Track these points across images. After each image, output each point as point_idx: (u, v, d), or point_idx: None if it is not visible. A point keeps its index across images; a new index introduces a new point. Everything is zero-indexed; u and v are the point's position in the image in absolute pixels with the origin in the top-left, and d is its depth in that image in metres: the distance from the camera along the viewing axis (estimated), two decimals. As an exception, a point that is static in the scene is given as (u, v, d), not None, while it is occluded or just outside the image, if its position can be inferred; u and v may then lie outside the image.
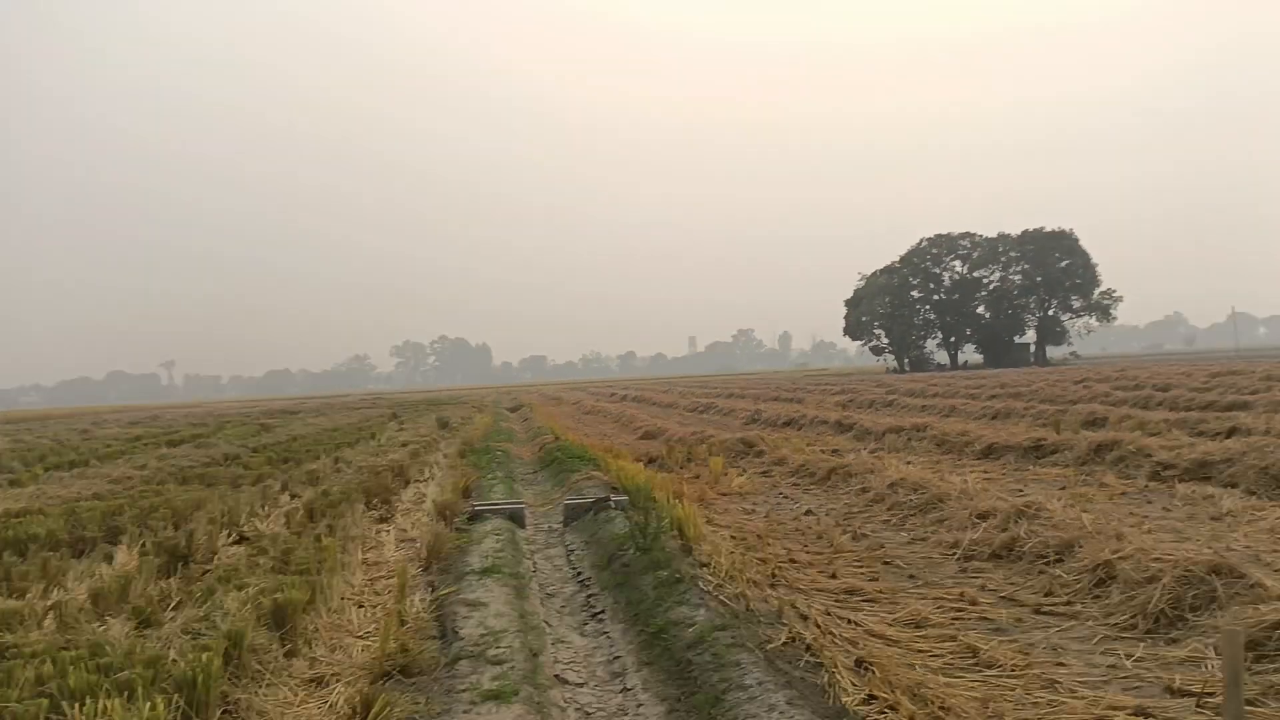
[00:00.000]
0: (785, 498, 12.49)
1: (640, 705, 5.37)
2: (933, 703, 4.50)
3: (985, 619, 6.35)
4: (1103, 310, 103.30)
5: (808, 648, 5.45)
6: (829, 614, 6.41)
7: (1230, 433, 15.44)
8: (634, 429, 26.64)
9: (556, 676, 5.93)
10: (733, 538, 9.31)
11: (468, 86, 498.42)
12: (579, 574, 8.82)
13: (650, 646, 6.17)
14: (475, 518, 10.73)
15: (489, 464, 17.17)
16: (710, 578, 7.12)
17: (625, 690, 5.72)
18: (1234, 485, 10.90)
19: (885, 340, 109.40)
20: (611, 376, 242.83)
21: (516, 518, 11.16)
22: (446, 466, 16.98)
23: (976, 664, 5.38)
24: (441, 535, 9.20)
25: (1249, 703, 4.56)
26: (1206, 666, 5.09)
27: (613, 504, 10.90)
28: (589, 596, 8.01)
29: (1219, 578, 5.91)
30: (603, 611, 7.47)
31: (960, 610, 6.56)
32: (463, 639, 6.04)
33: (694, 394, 49.47)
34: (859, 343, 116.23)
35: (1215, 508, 9.82)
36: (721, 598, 6.64)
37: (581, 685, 5.88)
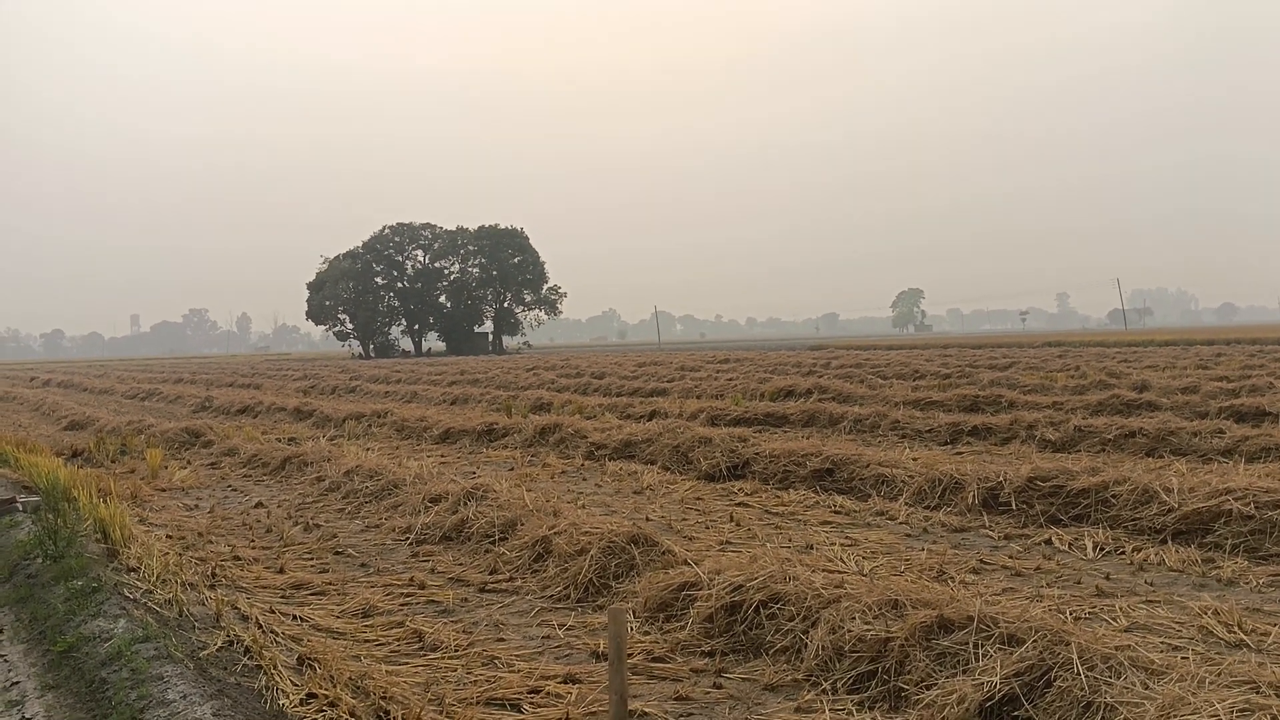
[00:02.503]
0: (235, 490, 11.72)
1: (40, 738, 4.60)
2: (374, 693, 4.40)
3: (433, 601, 6.41)
4: (550, 304, 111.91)
5: (246, 650, 5.07)
6: (273, 612, 6.05)
7: (651, 416, 17.46)
8: (58, 419, 23.35)
9: (-71, 717, 4.88)
10: (169, 537, 8.51)
11: None
12: (-30, 591, 7.42)
13: (58, 667, 5.34)
14: None
15: None
16: (139, 584, 6.40)
17: (23, 722, 4.87)
18: (653, 462, 12.29)
19: (350, 326, 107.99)
20: (33, 358, 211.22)
21: (-115, 528, 9.11)
22: None
23: (422, 648, 5.39)
24: None
25: (658, 658, 5.10)
26: (630, 630, 5.59)
27: (21, 506, 9.37)
28: (-17, 617, 6.76)
29: (637, 547, 6.55)
30: (0, 632, 6.35)
31: (410, 595, 6.57)
32: None
33: (135, 379, 44.79)
34: (323, 327, 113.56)
35: (638, 483, 10.98)
36: (151, 604, 5.98)
37: (-36, 723, 4.91)
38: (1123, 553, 7.05)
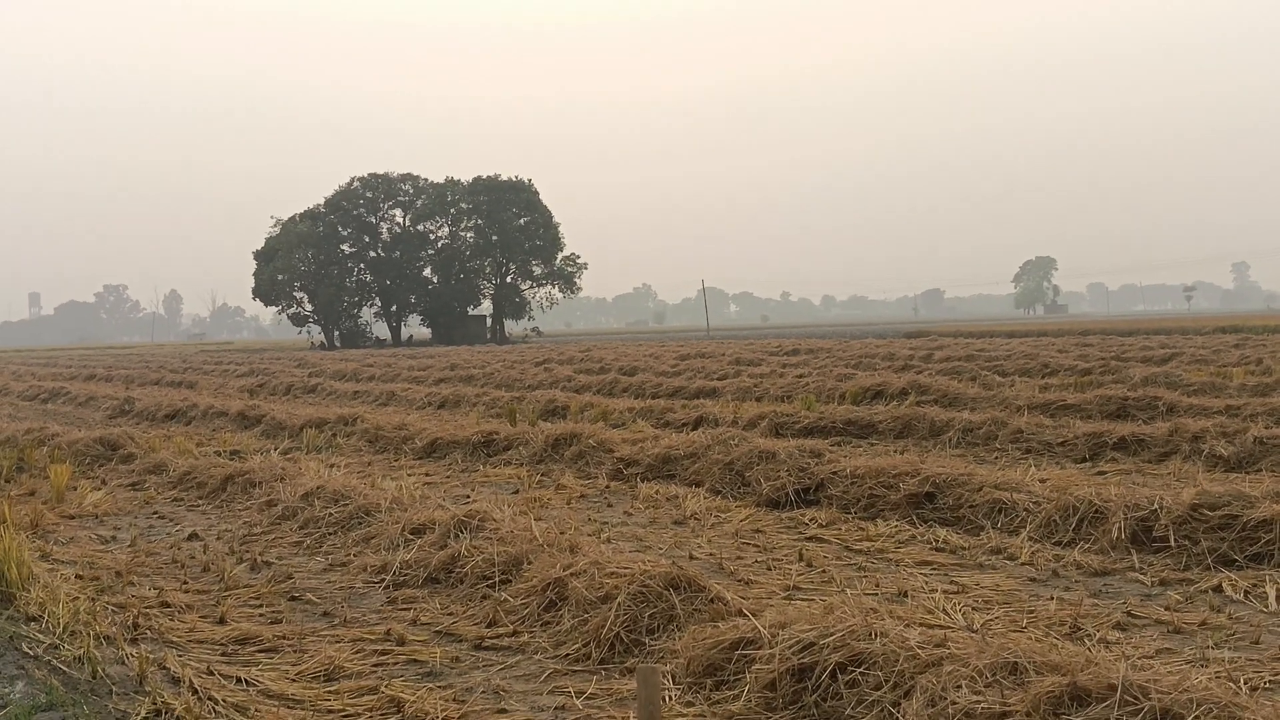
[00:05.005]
0: (162, 518, 11.93)
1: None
2: (341, 779, 4.48)
3: (416, 661, 6.50)
4: (567, 279, 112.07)
5: (177, 722, 5.17)
6: (211, 673, 6.17)
7: (697, 424, 17.50)
8: (-62, 426, 23.81)
9: None
10: (79, 578, 8.68)
11: None
12: None
13: (-60, 743, 5.48)
14: None
15: None
16: (41, 636, 6.61)
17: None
18: (699, 484, 12.33)
19: (309, 307, 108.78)
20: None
21: None
22: None
23: (401, 720, 5.47)
24: None
25: (704, 735, 5.13)
26: (668, 699, 5.63)
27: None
28: None
29: (678, 593, 6.59)
30: None
31: (386, 652, 6.66)
32: None
33: (36, 375, 45.56)
34: (275, 309, 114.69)
35: (679, 509, 11.04)
36: (57, 663, 6.16)
37: None
38: (1317, 604, 7.00)
